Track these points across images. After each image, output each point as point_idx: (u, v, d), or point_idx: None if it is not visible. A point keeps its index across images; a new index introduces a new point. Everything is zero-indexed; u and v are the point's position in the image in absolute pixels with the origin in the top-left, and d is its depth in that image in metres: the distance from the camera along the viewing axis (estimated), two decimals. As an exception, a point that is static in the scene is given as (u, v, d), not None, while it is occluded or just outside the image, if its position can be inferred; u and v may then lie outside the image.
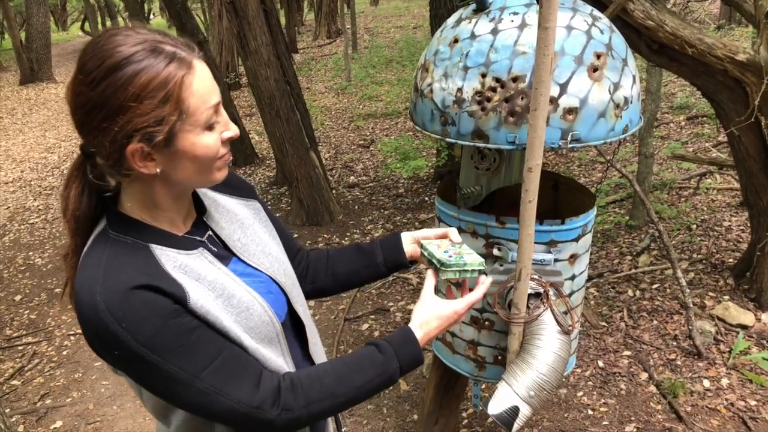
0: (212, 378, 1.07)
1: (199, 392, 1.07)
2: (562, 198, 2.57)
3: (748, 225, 4.48)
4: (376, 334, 3.93)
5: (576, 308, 2.43)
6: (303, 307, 1.40)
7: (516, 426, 2.03)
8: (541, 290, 2.09)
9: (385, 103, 9.23)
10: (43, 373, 3.94)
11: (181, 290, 1.06)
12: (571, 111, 1.88)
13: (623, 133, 2.02)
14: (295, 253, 1.55)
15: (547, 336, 2.06)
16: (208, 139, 1.08)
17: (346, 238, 5.27)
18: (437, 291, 1.33)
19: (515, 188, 2.45)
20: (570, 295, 2.30)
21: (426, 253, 1.38)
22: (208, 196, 1.32)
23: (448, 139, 2.02)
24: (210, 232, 1.26)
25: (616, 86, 1.98)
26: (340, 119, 8.85)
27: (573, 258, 2.23)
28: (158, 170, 1.06)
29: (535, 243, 2.00)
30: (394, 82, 10.21)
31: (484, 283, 1.33)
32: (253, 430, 1.20)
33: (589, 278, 4.05)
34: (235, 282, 1.19)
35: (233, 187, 1.41)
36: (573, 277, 2.28)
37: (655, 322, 3.62)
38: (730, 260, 4.10)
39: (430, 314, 1.27)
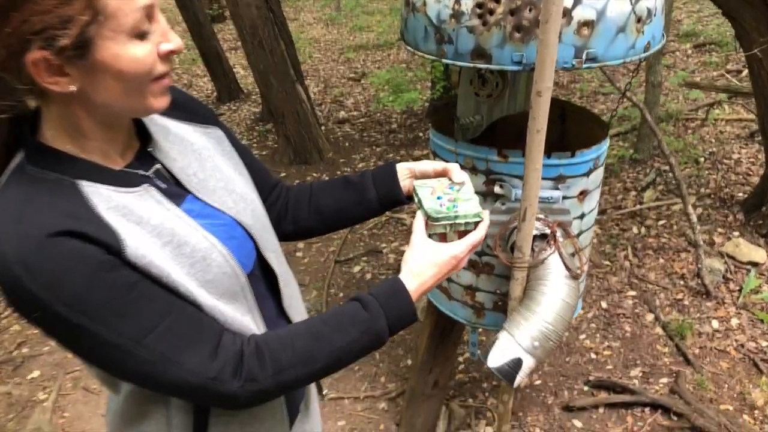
0: (159, 343, 0.87)
1: (143, 361, 0.87)
2: (569, 129, 2.33)
3: (759, 158, 4.26)
4: (368, 276, 3.75)
5: (584, 249, 2.23)
6: (275, 254, 1.18)
7: (518, 379, 1.85)
8: (548, 231, 1.88)
9: (377, 34, 8.81)
10: (20, 321, 3.77)
11: (114, 237, 0.84)
12: (586, 24, 1.62)
13: (645, 52, 1.77)
14: (270, 190, 1.32)
15: (553, 281, 1.86)
16: (138, 51, 0.84)
17: (337, 176, 5.03)
18: (430, 234, 1.11)
19: (520, 117, 2.21)
20: (578, 235, 2.10)
21: (416, 199, 1.16)
22: (156, 122, 1.08)
23: (444, 60, 1.76)
24: (158, 166, 1.03)
25: (639, -5, 1.70)
26: (329, 51, 8.45)
27: (583, 195, 2.01)
28: (73, 88, 0.82)
29: (542, 179, 1.78)
30: (386, 11, 9.74)
31: (484, 221, 1.12)
32: (213, 403, 1.01)
33: (592, 215, 3.87)
34: (189, 226, 0.97)
35: (189, 111, 1.16)
36: (582, 216, 2.06)
37: (661, 260, 3.44)
38: (740, 195, 3.90)
39: (423, 261, 1.06)
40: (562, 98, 3.69)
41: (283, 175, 5.17)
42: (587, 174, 1.98)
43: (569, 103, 2.32)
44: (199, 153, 1.12)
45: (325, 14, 10.37)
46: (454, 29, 1.70)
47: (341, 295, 3.62)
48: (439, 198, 1.12)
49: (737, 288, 3.15)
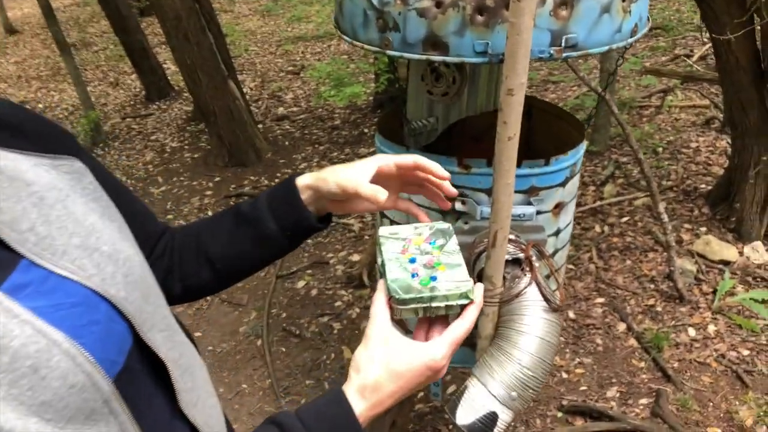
0: None
1: None
2: (536, 129, 2.03)
3: (718, 146, 4.09)
4: (314, 292, 3.39)
5: (560, 270, 1.93)
6: (164, 334, 0.83)
7: (494, 435, 1.55)
8: (521, 255, 1.57)
9: (316, 25, 8.40)
10: None
11: None
12: (564, 4, 1.31)
13: (632, 36, 1.47)
14: (156, 239, 0.96)
15: (530, 317, 1.55)
16: None
17: (276, 179, 4.64)
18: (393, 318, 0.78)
19: (481, 119, 1.89)
20: (553, 254, 1.80)
21: (379, 260, 0.83)
22: None
23: (389, 52, 1.42)
24: None
25: (627, -34, 1.41)
26: (266, 44, 8.00)
27: (558, 208, 1.71)
28: None
29: (514, 192, 1.47)
30: (325, 0, 9.33)
31: (475, 302, 0.78)
32: None
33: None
34: (11, 316, 0.61)
35: (27, 136, 0.78)
36: (557, 232, 1.76)
37: (628, 261, 3.21)
38: (703, 186, 3.71)
39: (382, 370, 0.72)
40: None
41: (217, 179, 4.75)
42: (563, 184, 1.67)
43: (535, 98, 2.02)
44: (40, 197, 0.74)
45: (261, 5, 9.88)
46: (401, 13, 1.36)
47: (284, 315, 3.26)
48: (412, 261, 0.78)
49: (711, 290, 2.93)
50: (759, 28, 2.67)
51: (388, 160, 0.88)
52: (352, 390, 0.72)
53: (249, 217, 0.90)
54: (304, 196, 0.87)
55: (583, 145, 1.72)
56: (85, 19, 10.69)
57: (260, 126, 5.39)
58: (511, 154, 1.36)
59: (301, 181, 0.88)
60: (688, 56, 5.55)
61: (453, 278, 0.75)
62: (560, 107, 1.93)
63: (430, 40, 1.35)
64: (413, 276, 0.75)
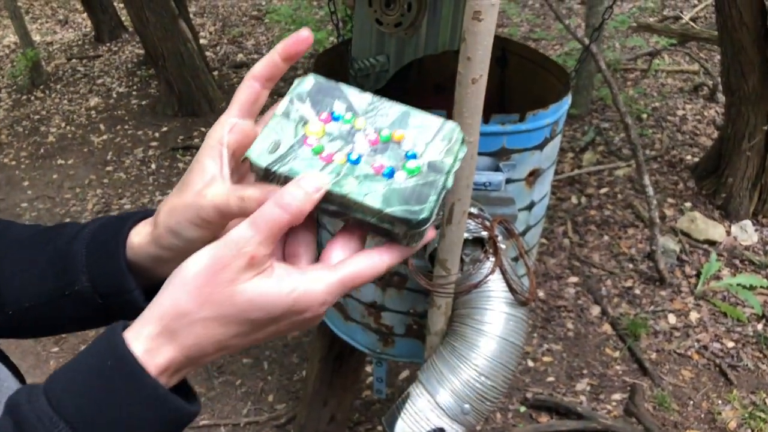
0: None
1: None
2: (512, 79, 1.69)
3: (706, 114, 3.81)
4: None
5: (531, 251, 1.62)
6: None
7: (440, 455, 1.25)
8: (484, 234, 1.25)
9: (286, -31, 7.86)
10: None
11: None
12: None
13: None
14: None
15: (492, 311, 1.24)
16: None
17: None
18: None
19: (441, 61, 1.55)
20: (524, 233, 1.48)
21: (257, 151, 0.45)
22: None
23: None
24: None
25: None
26: (231, -14, 7.46)
27: (533, 176, 1.39)
28: None
29: (477, 155, 1.14)
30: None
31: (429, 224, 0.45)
32: None
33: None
34: None
35: None
36: (531, 206, 1.44)
37: (605, 237, 2.92)
38: (688, 157, 3.42)
39: (203, 305, 0.43)
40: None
41: (164, 129, 4.33)
42: (541, 146, 1.35)
43: (512, 41, 1.67)
44: None
45: (228, -56, 9.25)
46: None
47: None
48: (330, 137, 0.45)
49: (694, 273, 2.67)
50: (769, -21, 2.34)
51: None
52: (140, 339, 0.43)
53: (58, 253, 0.57)
54: (139, 239, 0.54)
55: (568, 100, 1.39)
56: (39, -48, 9.94)
57: (216, 73, 4.96)
58: (475, 101, 1.03)
59: (167, 201, 0.52)
60: (678, 18, 5.23)
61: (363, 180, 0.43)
62: (541, 53, 1.59)
63: (373, -57, 0.99)
64: (327, 164, 0.44)
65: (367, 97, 0.46)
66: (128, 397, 0.41)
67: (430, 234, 0.45)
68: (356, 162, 0.43)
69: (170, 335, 0.43)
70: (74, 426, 0.40)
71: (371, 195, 0.42)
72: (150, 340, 0.42)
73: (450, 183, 0.43)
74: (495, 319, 1.21)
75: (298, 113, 0.45)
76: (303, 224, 0.45)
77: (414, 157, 0.44)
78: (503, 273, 1.21)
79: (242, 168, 0.50)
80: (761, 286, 2.53)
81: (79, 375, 0.43)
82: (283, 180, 0.43)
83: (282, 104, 0.46)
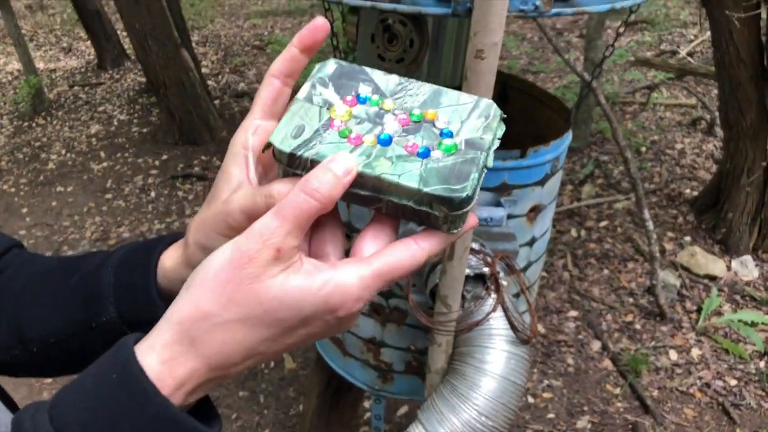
0: None
1: None
2: (511, 113, 1.70)
3: (704, 148, 3.82)
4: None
5: (532, 287, 1.61)
6: None
7: (439, 496, 1.22)
8: (486, 271, 1.24)
9: (289, 0, 7.97)
10: None
11: None
12: (559, -59, 0.97)
13: (640, -3, 1.14)
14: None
15: (494, 350, 1.22)
16: None
17: (229, 161, 4.25)
18: None
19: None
20: (526, 268, 1.47)
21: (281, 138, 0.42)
22: None
23: (323, -2, 1.07)
24: None
25: None
26: (234, 16, 7.55)
27: (534, 212, 1.38)
28: None
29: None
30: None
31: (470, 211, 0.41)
32: None
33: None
34: None
35: None
36: (532, 242, 1.43)
37: (605, 271, 2.91)
38: (687, 191, 3.43)
39: (218, 300, 0.39)
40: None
41: (165, 157, 4.34)
42: (542, 182, 1.34)
43: (512, 76, 1.68)
44: None
45: (232, -24, 9.39)
46: (339, -58, 1.01)
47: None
48: (357, 119, 0.42)
49: (695, 308, 2.65)
50: (765, 16, 2.37)
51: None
52: (155, 350, 0.39)
53: (84, 289, 0.54)
54: (171, 262, 0.51)
55: (569, 136, 1.39)
56: (45, -19, 10.08)
57: (217, 102, 4.99)
58: (477, 141, 1.02)
59: (169, 249, 0.51)
60: (675, 53, 5.28)
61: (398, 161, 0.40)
62: (542, 89, 1.60)
63: (377, -17, 1.00)
64: (357, 140, 0.41)
65: (395, 78, 0.44)
66: (135, 416, 0.37)
67: (472, 220, 0.41)
68: (387, 142, 0.40)
69: (190, 342, 0.38)
70: None
71: (407, 175, 0.38)
72: (167, 349, 0.38)
73: (491, 162, 0.41)
74: (496, 358, 1.19)
75: (321, 97, 0.43)
76: (330, 220, 0.43)
77: (450, 135, 0.41)
78: (505, 311, 1.20)
79: (270, 173, 0.46)
80: (763, 323, 2.51)
81: (85, 392, 0.39)
82: (310, 165, 0.40)
83: (303, 89, 0.44)
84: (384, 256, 0.40)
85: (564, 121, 1.43)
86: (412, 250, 0.40)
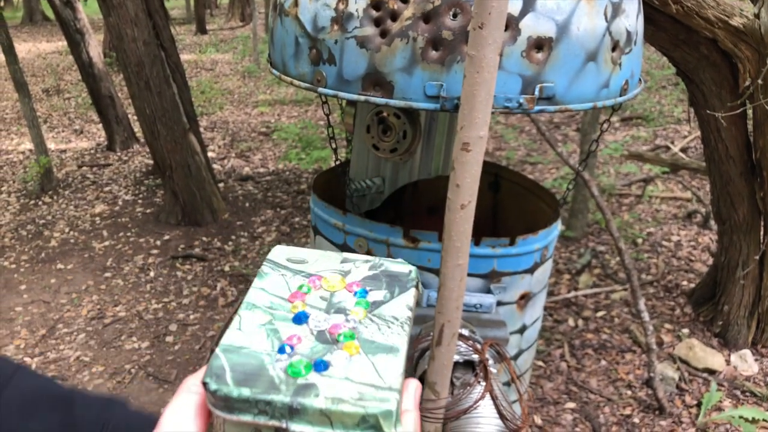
0: None
1: None
2: (503, 204, 1.74)
3: (700, 241, 3.86)
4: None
5: (524, 375, 1.60)
6: None
7: None
8: (475, 358, 1.24)
9: (296, 90, 8.27)
10: None
11: None
12: (541, 45, 1.04)
13: (621, 95, 1.20)
14: None
15: (481, 438, 1.21)
16: None
17: (230, 242, 4.29)
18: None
19: (434, 185, 1.60)
20: (516, 356, 1.47)
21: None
22: None
23: (321, 90, 1.13)
24: None
25: (617, 9, 1.15)
26: (242, 104, 7.82)
27: (524, 299, 1.40)
28: None
29: (468, 276, 1.15)
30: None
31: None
32: None
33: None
34: None
35: None
36: (523, 329, 1.44)
37: (603, 362, 2.88)
38: (684, 282, 3.44)
39: None
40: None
41: (166, 237, 4.39)
42: (531, 270, 1.37)
43: (504, 168, 1.74)
44: None
45: (242, 66, 9.80)
46: (337, 41, 1.08)
47: (212, 397, 2.84)
48: (298, 320, 0.39)
49: (695, 402, 2.60)
50: (751, 114, 2.46)
51: None
52: None
53: None
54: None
55: (557, 226, 1.43)
56: (64, 68, 10.51)
57: (222, 185, 5.09)
58: (464, 226, 1.06)
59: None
60: (669, 148, 5.43)
61: (364, 375, 0.35)
62: (532, 180, 1.65)
63: (371, 77, 1.06)
64: (280, 350, 0.36)
65: (404, 309, 0.41)
66: None
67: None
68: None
69: None
70: None
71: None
72: None
73: (300, 425, 0.35)
74: (484, 447, 1.17)
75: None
76: None
77: (322, 369, 0.37)
78: (494, 398, 1.19)
79: None
80: (764, 419, 2.45)
81: None
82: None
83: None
84: None
85: (553, 211, 1.47)
86: None
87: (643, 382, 2.72)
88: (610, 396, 2.67)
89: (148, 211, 4.84)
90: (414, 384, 0.37)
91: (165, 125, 4.29)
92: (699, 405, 2.56)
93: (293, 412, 0.33)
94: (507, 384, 1.37)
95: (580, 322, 3.17)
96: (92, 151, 6.37)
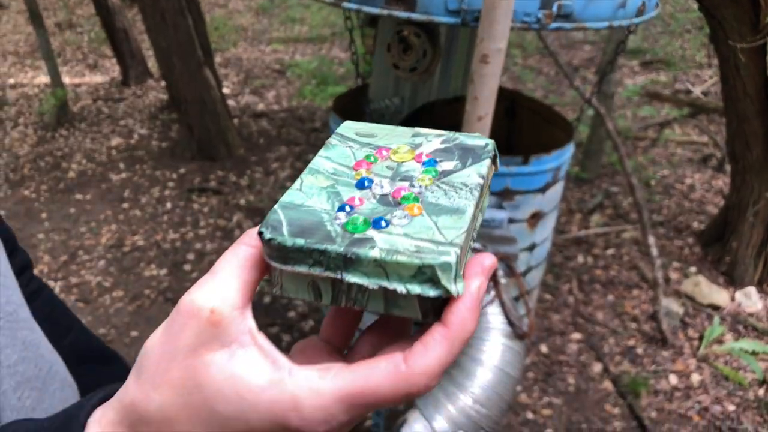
0: None
1: None
2: (520, 129, 1.77)
3: (714, 185, 3.87)
4: (267, 300, 3.09)
5: (532, 292, 1.66)
6: None
7: (433, 486, 1.26)
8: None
9: (310, 27, 8.16)
10: None
11: None
12: (563, -42, 1.05)
13: (637, 16, 1.21)
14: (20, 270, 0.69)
15: (490, 342, 1.27)
16: None
17: (245, 177, 4.35)
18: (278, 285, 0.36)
19: (450, 110, 1.63)
20: (526, 273, 1.53)
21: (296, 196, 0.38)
22: None
23: (345, 5, 1.15)
24: None
25: (642, -76, 1.14)
26: (256, 41, 7.74)
27: (535, 218, 1.44)
28: None
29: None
30: (322, 4, 9.12)
31: (454, 311, 0.31)
32: None
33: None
34: None
35: None
36: (532, 247, 1.49)
37: (610, 297, 2.94)
38: (695, 224, 3.47)
39: (176, 399, 0.32)
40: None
41: (182, 171, 4.44)
42: (543, 190, 1.41)
43: (520, 94, 1.76)
44: None
45: (256, 2, 9.65)
46: (361, -47, 1.10)
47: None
48: (360, 185, 0.37)
49: (697, 335, 2.67)
50: (772, 53, 2.44)
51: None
52: (111, 407, 0.35)
53: None
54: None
55: (570, 147, 1.46)
56: (75, 2, 10.40)
57: (236, 121, 5.11)
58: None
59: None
60: (689, 92, 5.36)
61: (424, 233, 0.33)
62: (547, 105, 1.67)
63: (394, -9, 1.08)
64: (340, 210, 0.35)
65: (476, 177, 0.38)
66: None
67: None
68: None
69: (129, 426, 0.34)
70: None
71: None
72: (110, 428, 0.34)
73: (355, 276, 0.34)
74: (492, 350, 1.24)
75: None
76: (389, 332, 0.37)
77: (382, 226, 0.36)
78: (502, 304, 1.25)
79: None
80: (764, 352, 2.52)
81: None
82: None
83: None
84: (357, 372, 0.31)
85: (565, 134, 1.49)
86: (399, 374, 0.31)
87: (648, 316, 2.79)
88: (615, 328, 2.75)
89: (163, 145, 4.88)
90: (489, 257, 0.35)
91: (180, 58, 4.28)
92: (701, 338, 2.63)
93: (348, 263, 0.32)
94: (516, 299, 1.43)
95: (590, 259, 3.23)
96: (107, 86, 6.37)
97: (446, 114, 1.68)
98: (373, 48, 1.47)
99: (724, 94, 2.77)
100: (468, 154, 0.40)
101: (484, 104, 1.05)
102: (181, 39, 4.25)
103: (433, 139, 0.42)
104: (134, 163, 4.63)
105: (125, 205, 4.07)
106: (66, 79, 6.39)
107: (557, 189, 1.45)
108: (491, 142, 0.41)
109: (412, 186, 0.37)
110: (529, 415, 2.35)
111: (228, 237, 3.69)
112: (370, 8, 1.12)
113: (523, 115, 1.75)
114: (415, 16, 1.09)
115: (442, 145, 0.41)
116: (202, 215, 3.94)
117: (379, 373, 0.30)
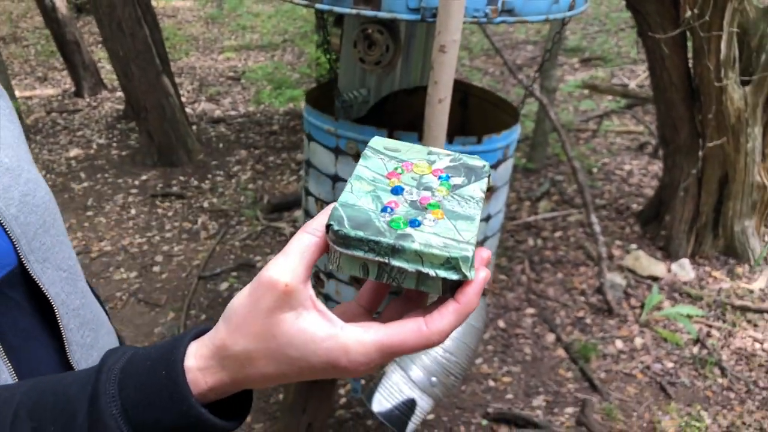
0: None
1: None
2: (472, 117, 1.97)
3: (650, 169, 4.17)
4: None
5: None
6: (63, 274, 0.72)
7: (411, 426, 1.44)
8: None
9: (261, 35, 8.28)
10: None
11: None
12: (503, -36, 1.25)
13: (570, 10, 1.43)
14: None
15: (456, 299, 1.46)
16: None
17: (207, 181, 4.45)
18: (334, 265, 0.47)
19: (414, 97, 1.82)
20: (483, 242, 1.73)
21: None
22: None
23: (318, 6, 1.32)
24: None
25: (567, -67, 1.36)
26: (207, 50, 7.81)
27: (489, 191, 1.64)
28: None
29: (443, 168, 1.38)
30: (272, 12, 9.24)
31: (468, 291, 0.43)
32: None
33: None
34: None
35: None
36: (488, 218, 1.69)
37: (559, 274, 3.18)
38: (634, 205, 3.75)
39: (257, 344, 0.44)
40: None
41: (144, 178, 4.52)
42: (495, 166, 1.61)
43: (472, 85, 1.96)
44: None
45: (205, 12, 9.70)
46: (332, -38, 1.27)
47: (203, 317, 3.07)
48: (396, 192, 0.49)
49: (639, 304, 2.93)
50: (691, 44, 2.71)
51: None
52: (202, 362, 0.45)
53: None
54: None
55: (517, 129, 1.66)
56: (19, 15, 10.23)
57: (194, 127, 5.20)
58: (441, 118, 1.28)
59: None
60: (625, 86, 5.71)
61: (447, 233, 0.44)
62: (496, 94, 1.88)
63: (361, -6, 1.26)
64: (384, 210, 0.46)
65: (478, 192, 0.50)
66: (167, 409, 0.43)
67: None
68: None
69: (220, 362, 0.44)
70: (126, 410, 0.43)
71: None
72: (203, 360, 0.45)
73: (398, 261, 0.45)
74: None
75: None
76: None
77: (416, 225, 0.46)
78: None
79: None
80: (697, 315, 2.80)
81: (141, 374, 0.45)
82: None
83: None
84: (390, 329, 0.42)
85: (512, 118, 1.70)
86: (421, 332, 0.42)
87: (594, 290, 3.04)
88: (565, 302, 2.98)
89: (123, 153, 4.94)
90: (485, 250, 0.47)
91: (138, 67, 4.37)
92: (642, 306, 2.89)
93: (395, 252, 0.43)
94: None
95: (539, 241, 3.47)
96: (59, 98, 6.36)
97: (408, 102, 1.87)
98: (339, 46, 1.65)
99: (653, 84, 3.05)
100: (472, 173, 0.51)
101: (443, 88, 1.24)
102: (139, 48, 4.34)
103: (443, 158, 0.54)
104: (95, 172, 4.67)
105: (89, 213, 4.13)
106: (16, 92, 6.35)
107: (507, 166, 1.65)
108: (487, 164, 0.54)
109: (434, 195, 0.48)
110: (491, 383, 2.55)
111: (194, 239, 3.79)
112: (341, 8, 1.30)
113: (474, 104, 1.95)
114: (381, 14, 1.27)
115: (451, 163, 0.52)
116: (167, 219, 4.03)
117: (407, 330, 0.42)
